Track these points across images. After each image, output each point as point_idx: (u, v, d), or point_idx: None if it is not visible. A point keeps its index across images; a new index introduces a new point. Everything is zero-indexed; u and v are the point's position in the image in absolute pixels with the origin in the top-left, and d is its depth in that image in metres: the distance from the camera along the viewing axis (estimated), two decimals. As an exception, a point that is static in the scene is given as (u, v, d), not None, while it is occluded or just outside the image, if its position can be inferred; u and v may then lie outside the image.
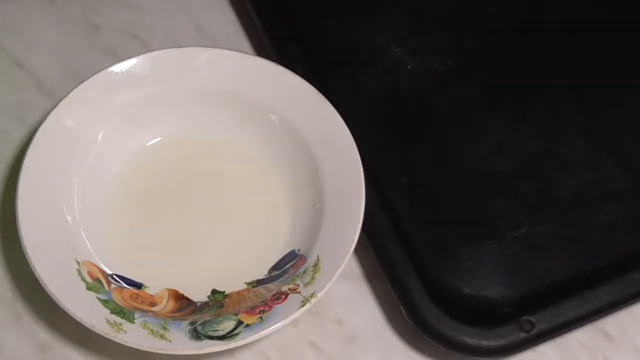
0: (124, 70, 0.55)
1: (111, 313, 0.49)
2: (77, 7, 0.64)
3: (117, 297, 0.51)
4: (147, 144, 0.57)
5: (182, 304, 0.52)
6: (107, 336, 0.48)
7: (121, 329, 0.48)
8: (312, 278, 0.50)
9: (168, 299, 0.52)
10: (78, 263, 0.51)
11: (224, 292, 0.53)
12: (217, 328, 0.49)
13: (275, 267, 0.54)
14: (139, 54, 0.55)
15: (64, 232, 0.52)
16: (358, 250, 0.53)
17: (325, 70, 0.59)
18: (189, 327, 0.49)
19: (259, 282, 0.53)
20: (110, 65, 0.55)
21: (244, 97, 0.56)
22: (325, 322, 0.54)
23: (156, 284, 0.53)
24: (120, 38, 0.63)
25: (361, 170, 0.53)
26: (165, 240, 0.54)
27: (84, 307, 0.49)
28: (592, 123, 0.60)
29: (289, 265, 0.53)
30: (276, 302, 0.50)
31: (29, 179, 0.52)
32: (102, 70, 0.55)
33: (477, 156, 0.58)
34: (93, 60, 0.62)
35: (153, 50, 0.56)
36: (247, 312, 0.50)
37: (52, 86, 0.60)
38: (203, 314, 0.51)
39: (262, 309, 0.50)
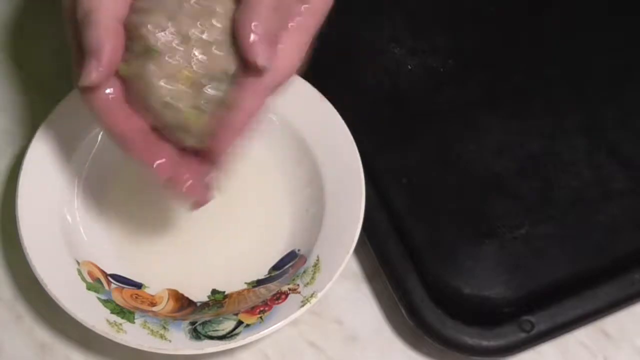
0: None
1: (111, 313, 0.49)
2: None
3: (117, 297, 0.51)
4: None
5: (182, 304, 0.52)
6: (107, 336, 0.48)
7: (121, 329, 0.48)
8: (312, 278, 0.50)
9: (168, 299, 0.52)
10: (78, 263, 0.51)
11: (224, 292, 0.53)
12: (217, 328, 0.49)
13: (275, 267, 0.54)
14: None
15: (64, 232, 0.52)
16: (358, 250, 0.53)
17: (325, 70, 0.59)
18: (189, 327, 0.49)
19: (259, 282, 0.53)
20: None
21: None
22: (325, 322, 0.54)
23: (156, 284, 0.53)
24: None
25: (361, 170, 0.53)
26: (165, 240, 0.54)
27: (84, 307, 0.49)
28: (591, 123, 0.60)
29: (289, 265, 0.53)
30: (276, 302, 0.50)
31: (29, 179, 0.52)
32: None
33: (477, 156, 0.58)
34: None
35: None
36: (247, 312, 0.50)
37: (52, 86, 0.60)
38: (203, 314, 0.51)
39: (262, 309, 0.50)
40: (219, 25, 0.43)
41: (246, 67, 0.43)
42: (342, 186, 0.53)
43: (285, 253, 0.54)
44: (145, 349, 0.48)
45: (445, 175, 0.58)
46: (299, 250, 0.53)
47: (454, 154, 0.59)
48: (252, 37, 0.42)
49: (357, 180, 0.53)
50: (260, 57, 0.42)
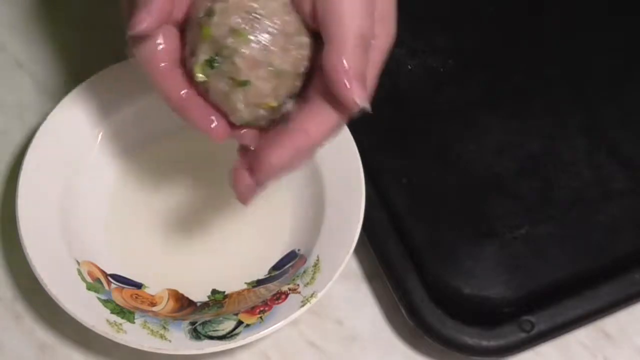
0: (124, 71, 0.55)
1: (111, 313, 0.49)
2: (77, 7, 0.64)
3: (117, 297, 0.51)
4: (148, 144, 0.57)
5: (182, 304, 0.52)
6: (107, 336, 0.48)
7: (121, 329, 0.48)
8: (312, 278, 0.50)
9: (168, 299, 0.52)
10: (78, 263, 0.51)
11: (224, 292, 0.53)
12: (217, 328, 0.49)
13: (275, 267, 0.54)
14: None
15: (64, 232, 0.52)
16: (358, 250, 0.53)
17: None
18: (189, 327, 0.49)
19: (259, 282, 0.53)
20: (110, 65, 0.55)
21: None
22: (325, 322, 0.54)
23: (156, 284, 0.53)
24: (120, 38, 0.63)
25: (361, 170, 0.53)
26: (165, 240, 0.54)
27: (84, 307, 0.49)
28: (591, 123, 0.60)
29: (289, 265, 0.53)
30: (276, 302, 0.50)
31: (29, 179, 0.52)
32: (102, 70, 0.55)
33: (477, 156, 0.58)
34: (93, 61, 0.61)
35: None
36: (247, 312, 0.50)
37: (52, 86, 0.60)
38: (203, 314, 0.51)
39: (262, 309, 0.50)
40: (301, 54, 0.43)
41: (335, 102, 0.43)
42: (342, 186, 0.53)
43: (285, 253, 0.54)
44: (145, 349, 0.48)
45: (445, 175, 0.58)
46: (299, 250, 0.53)
47: (454, 154, 0.59)
48: (348, 77, 0.42)
49: (357, 180, 0.53)
50: (358, 98, 0.42)
